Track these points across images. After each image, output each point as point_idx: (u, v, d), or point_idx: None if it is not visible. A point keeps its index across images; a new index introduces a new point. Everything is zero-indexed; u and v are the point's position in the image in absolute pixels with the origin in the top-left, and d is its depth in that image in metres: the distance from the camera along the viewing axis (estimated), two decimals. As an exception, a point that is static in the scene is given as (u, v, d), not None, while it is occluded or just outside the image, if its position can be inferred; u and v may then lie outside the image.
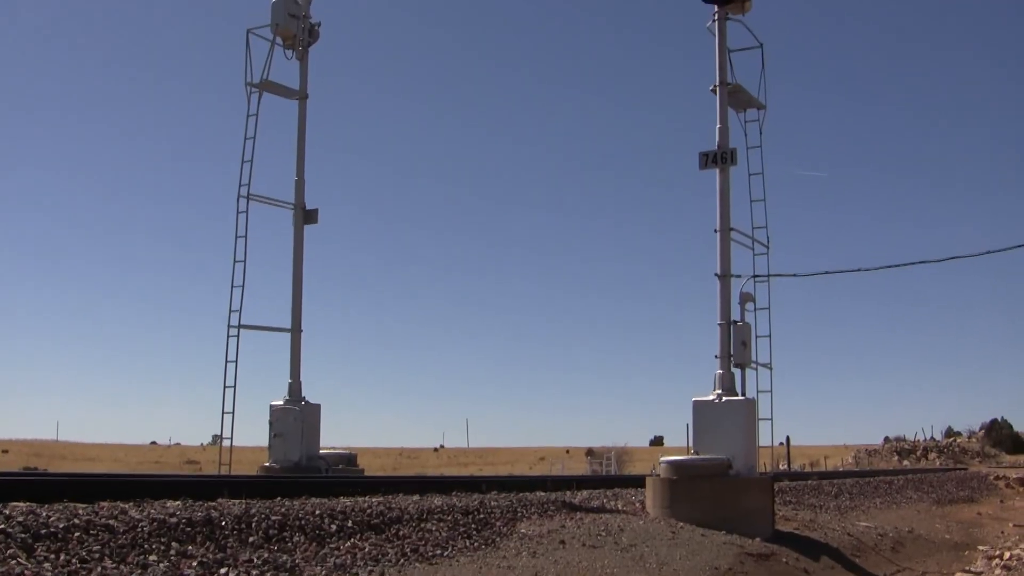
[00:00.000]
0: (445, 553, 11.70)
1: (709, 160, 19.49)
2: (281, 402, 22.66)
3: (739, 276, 19.37)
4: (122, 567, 8.69)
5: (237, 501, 12.43)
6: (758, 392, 19.12)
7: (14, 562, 8.15)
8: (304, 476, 19.42)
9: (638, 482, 21.92)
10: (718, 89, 19.86)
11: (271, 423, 22.53)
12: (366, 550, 11.07)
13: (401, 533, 12.15)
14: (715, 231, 19.34)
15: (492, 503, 14.94)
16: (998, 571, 18.21)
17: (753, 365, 19.14)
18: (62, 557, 8.57)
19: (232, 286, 21.88)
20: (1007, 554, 19.81)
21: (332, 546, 11.00)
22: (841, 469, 67.40)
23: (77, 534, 9.16)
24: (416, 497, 14.88)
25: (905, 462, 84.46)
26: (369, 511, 12.55)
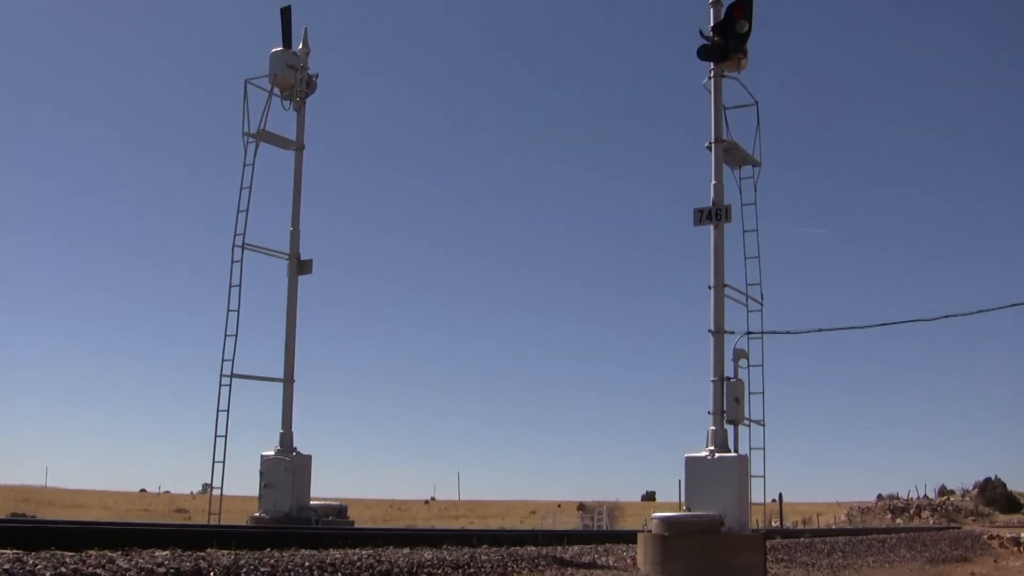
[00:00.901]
0: (434, 608, 11.62)
1: (703, 216, 19.54)
2: (272, 452, 22.60)
3: (732, 333, 19.36)
4: (108, 618, 8.62)
5: (226, 552, 12.36)
6: (751, 449, 19.05)
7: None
8: (294, 527, 19.32)
9: (630, 537, 21.80)
10: (713, 146, 19.95)
11: (262, 473, 22.45)
12: (355, 604, 10.99)
13: (390, 587, 12.07)
14: (709, 287, 19.35)
15: (483, 557, 14.86)
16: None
17: (746, 422, 19.08)
18: (48, 607, 8.51)
19: (225, 335, 21.92)
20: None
21: (321, 599, 10.92)
22: (834, 527, 67.16)
23: (64, 584, 9.09)
24: (406, 550, 14.81)
25: (898, 520, 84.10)
26: (359, 564, 12.48)
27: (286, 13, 24.34)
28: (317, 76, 24.35)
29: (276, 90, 23.69)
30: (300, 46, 24.29)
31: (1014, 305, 18.54)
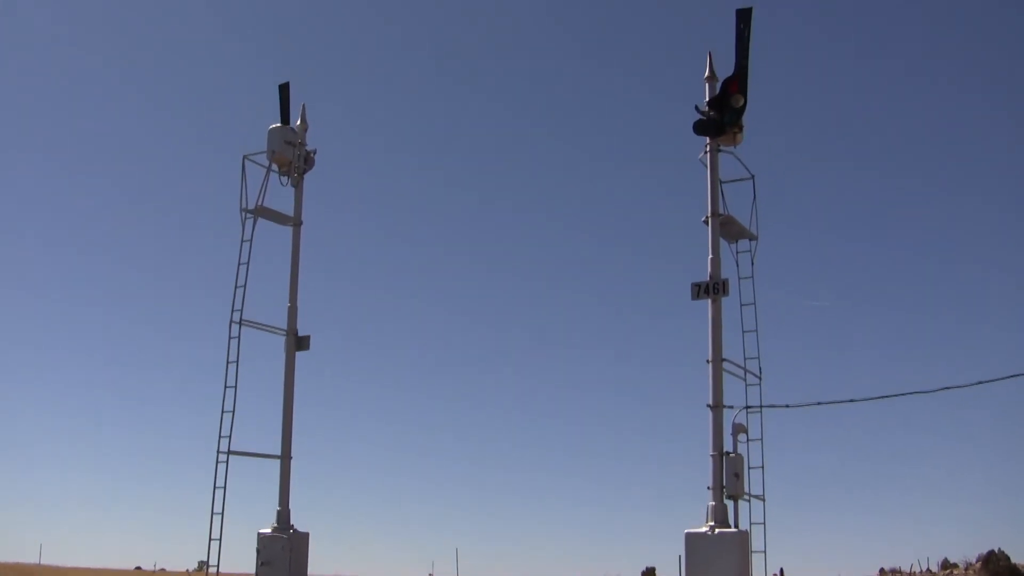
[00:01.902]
0: None
1: (701, 291, 19.56)
2: (269, 530, 22.40)
3: (731, 407, 19.32)
4: None
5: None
6: (751, 524, 18.94)
7: None
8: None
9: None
10: (710, 220, 20.02)
11: (259, 551, 22.24)
12: None
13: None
14: (707, 362, 19.33)
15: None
16: None
17: (746, 497, 18.97)
18: None
19: (223, 411, 21.79)
20: None
21: None
22: (836, 601, 66.35)
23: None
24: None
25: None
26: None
27: (284, 89, 24.48)
28: (315, 152, 24.42)
29: (274, 166, 23.73)
30: (298, 122, 24.38)
31: (1013, 376, 18.49)
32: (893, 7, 51.97)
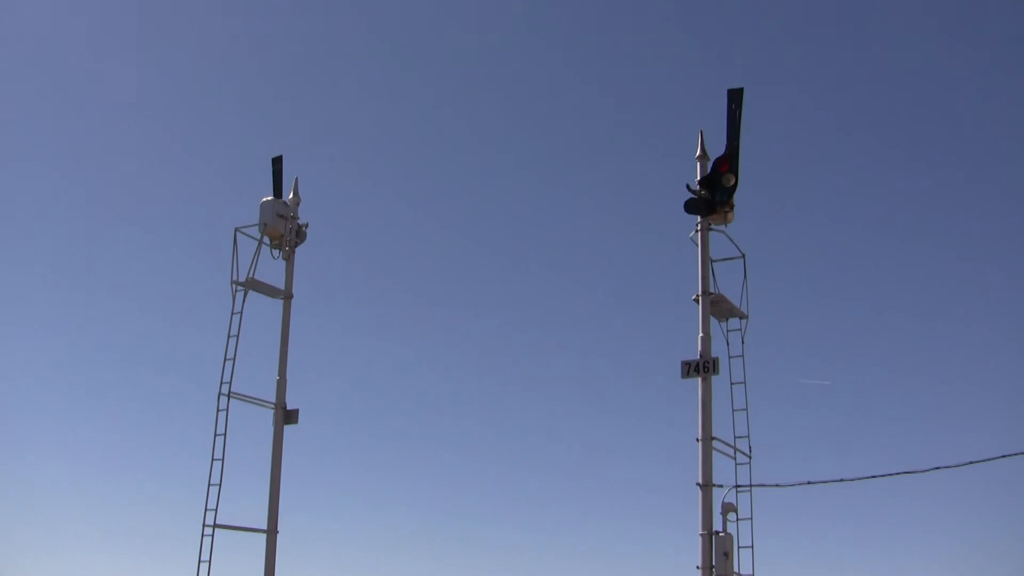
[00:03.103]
0: None
1: (691, 369, 19.55)
2: (253, 605, 22.19)
3: (721, 486, 19.24)
4: None
5: None
6: (741, 605, 18.79)
7: None
8: None
9: None
10: (700, 299, 20.06)
11: (242, 627, 22.01)
12: None
13: None
14: (697, 440, 19.28)
15: None
16: None
17: (735, 577, 18.83)
18: None
19: (209, 484, 21.62)
20: None
21: None
22: None
23: None
24: None
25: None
26: None
27: (277, 163, 24.57)
28: (307, 225, 24.48)
29: (266, 239, 23.76)
30: (291, 195, 24.46)
31: (1005, 456, 18.41)
32: (884, 87, 52.38)
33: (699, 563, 18.81)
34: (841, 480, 19.48)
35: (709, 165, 20.32)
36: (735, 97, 20.03)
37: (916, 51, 52.88)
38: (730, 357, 20.44)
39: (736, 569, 18.85)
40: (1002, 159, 49.73)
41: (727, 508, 19.13)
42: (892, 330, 50.22)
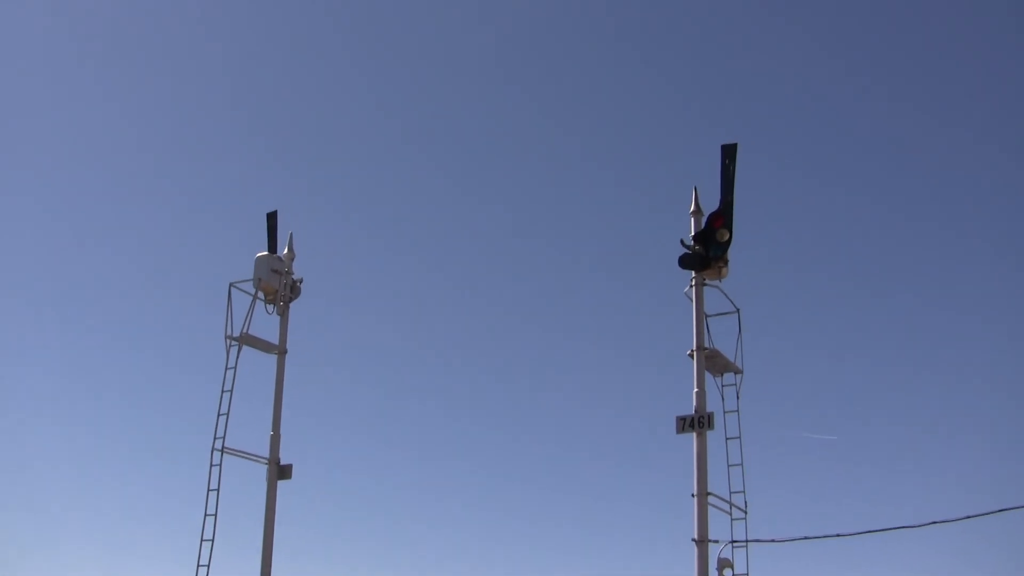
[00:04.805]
0: None
1: (686, 424, 19.52)
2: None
3: (716, 541, 19.16)
4: None
5: None
6: (737, 662, 18.67)
7: None
8: None
9: None
10: (695, 354, 20.06)
11: None
12: None
13: None
14: (692, 496, 19.22)
15: None
16: None
17: (732, 634, 18.73)
18: None
19: (201, 540, 21.53)
20: None
21: None
22: None
23: None
24: None
25: None
26: None
27: (272, 218, 24.67)
28: (301, 281, 24.51)
29: (260, 294, 23.78)
30: (285, 251, 24.52)
31: (1002, 510, 18.36)
32: (876, 142, 52.74)
33: (695, 619, 18.72)
34: (837, 535, 19.41)
35: (703, 220, 20.40)
36: (729, 152, 20.14)
37: (909, 102, 53.29)
38: (725, 412, 20.42)
39: (733, 625, 18.76)
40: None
41: (723, 564, 19.05)
42: (889, 385, 50.20)
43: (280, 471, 23.24)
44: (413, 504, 51.18)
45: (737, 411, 20.50)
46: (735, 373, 20.72)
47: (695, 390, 19.76)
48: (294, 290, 24.42)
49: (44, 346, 53.67)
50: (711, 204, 20.32)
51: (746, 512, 19.84)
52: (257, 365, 23.89)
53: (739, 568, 19.28)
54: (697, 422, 19.45)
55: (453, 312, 58.16)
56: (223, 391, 22.66)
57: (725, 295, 20.67)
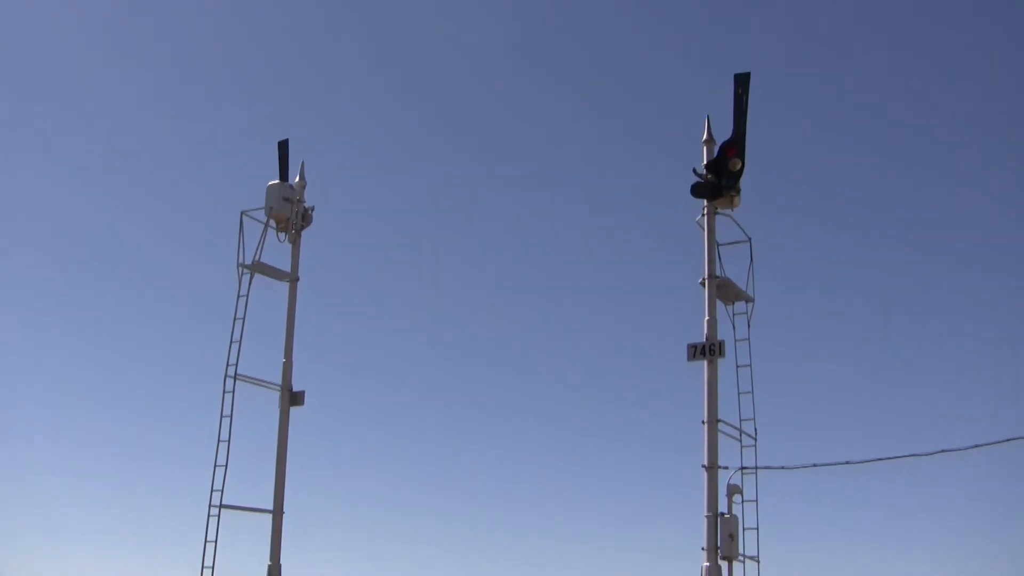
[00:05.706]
0: None
1: (697, 352, 19.63)
2: (260, 585, 22.30)
3: (726, 468, 19.32)
4: None
5: None
6: (746, 585, 18.88)
7: None
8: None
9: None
10: (706, 282, 20.12)
11: (249, 607, 22.11)
12: None
13: None
14: (703, 423, 19.36)
15: None
16: None
17: (740, 558, 18.94)
18: None
19: (215, 466, 21.72)
20: None
21: None
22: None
23: None
24: None
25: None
26: None
27: (283, 146, 24.63)
28: (313, 209, 24.54)
29: (272, 223, 23.81)
30: (297, 179, 24.52)
31: (1009, 440, 18.46)
32: (891, 73, 52.34)
33: (704, 544, 18.92)
34: (846, 463, 19.57)
35: (716, 149, 20.38)
36: (742, 82, 20.08)
37: (923, 35, 52.83)
38: (736, 340, 20.52)
39: (741, 551, 18.96)
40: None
41: (732, 490, 19.23)
42: (899, 318, 50.24)
43: (292, 398, 23.40)
44: (423, 428, 51.55)
45: (748, 339, 20.61)
46: (746, 302, 20.79)
47: (706, 318, 19.84)
48: (305, 218, 24.45)
49: (55, 278, 53.90)
50: (724, 134, 20.30)
51: (756, 439, 20.01)
52: (269, 293, 23.99)
53: (748, 494, 19.48)
54: (708, 350, 19.56)
55: (463, 243, 58.23)
56: (235, 318, 22.77)
57: (737, 224, 20.71)
